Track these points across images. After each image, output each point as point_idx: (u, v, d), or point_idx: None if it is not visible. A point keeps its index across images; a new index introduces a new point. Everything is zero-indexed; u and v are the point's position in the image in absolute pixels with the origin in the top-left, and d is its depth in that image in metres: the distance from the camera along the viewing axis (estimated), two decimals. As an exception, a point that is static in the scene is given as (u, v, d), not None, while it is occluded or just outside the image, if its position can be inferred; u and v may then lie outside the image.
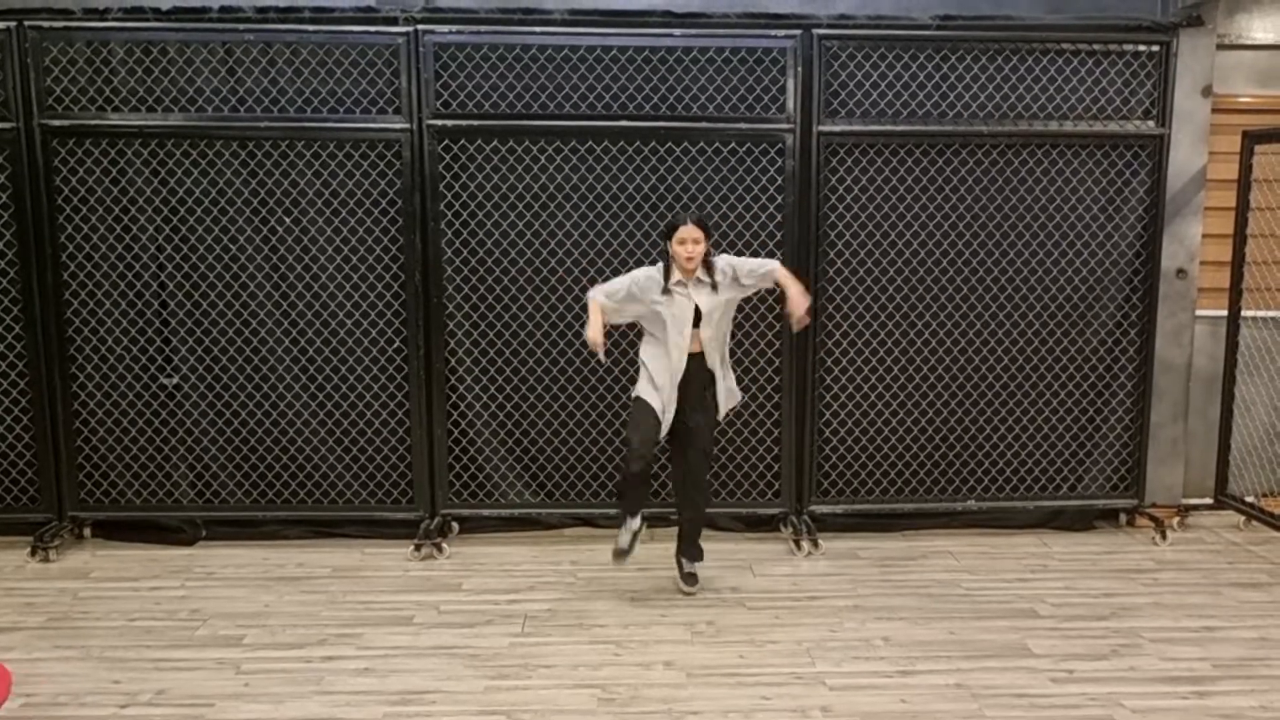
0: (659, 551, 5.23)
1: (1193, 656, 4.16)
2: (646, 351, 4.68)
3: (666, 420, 4.61)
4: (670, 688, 3.88)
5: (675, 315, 4.54)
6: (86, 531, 5.55)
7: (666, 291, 4.53)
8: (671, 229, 4.52)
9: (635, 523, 4.69)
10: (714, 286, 4.57)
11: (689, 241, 4.47)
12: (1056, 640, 4.31)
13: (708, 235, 4.53)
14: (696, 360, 4.61)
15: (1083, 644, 4.27)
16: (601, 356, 4.63)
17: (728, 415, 4.92)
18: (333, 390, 5.44)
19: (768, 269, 4.64)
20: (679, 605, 4.65)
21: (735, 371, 4.95)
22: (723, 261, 4.63)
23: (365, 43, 5.20)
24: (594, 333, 4.49)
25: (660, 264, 4.60)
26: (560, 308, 5.42)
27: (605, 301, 4.56)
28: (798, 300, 4.53)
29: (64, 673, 3.98)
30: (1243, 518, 5.76)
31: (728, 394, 4.76)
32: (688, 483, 4.80)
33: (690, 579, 4.83)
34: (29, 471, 5.41)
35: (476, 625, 4.45)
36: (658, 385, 4.60)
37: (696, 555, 4.90)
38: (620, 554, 4.70)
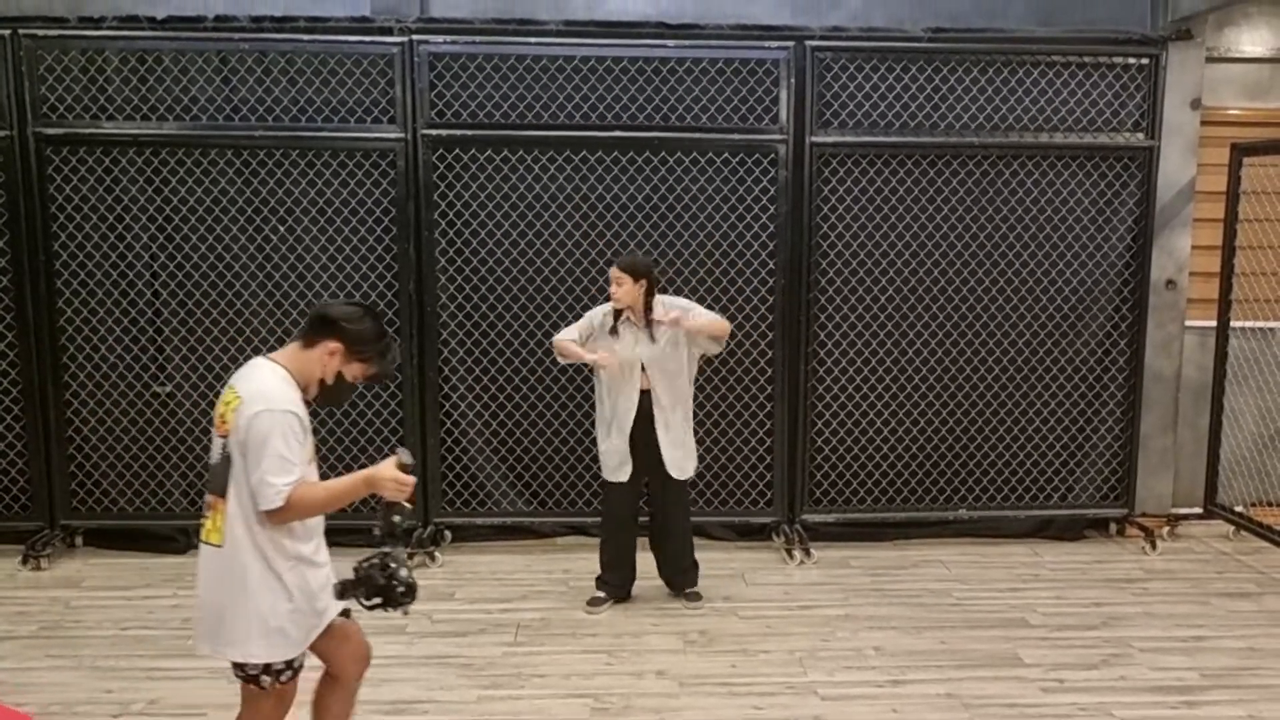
0: (651, 561, 5.23)
1: (1182, 666, 4.19)
2: (599, 396, 4.69)
3: (625, 470, 4.61)
4: (663, 697, 3.89)
5: (621, 356, 4.52)
6: (78, 540, 5.53)
7: (614, 331, 4.54)
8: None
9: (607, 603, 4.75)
10: (651, 337, 4.53)
11: (613, 282, 4.47)
12: (1047, 650, 4.33)
13: (636, 278, 4.44)
14: (645, 398, 4.57)
15: (1073, 653, 4.29)
16: (600, 359, 4.50)
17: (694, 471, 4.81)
18: (326, 398, 5.43)
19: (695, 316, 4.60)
20: (671, 615, 4.67)
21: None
22: (669, 302, 4.56)
23: (360, 52, 5.22)
24: (591, 355, 4.47)
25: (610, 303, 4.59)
26: (554, 316, 5.42)
27: (571, 337, 4.57)
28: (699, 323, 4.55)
29: (56, 682, 3.98)
30: (1232, 527, 5.79)
31: (672, 453, 4.60)
32: (665, 533, 4.79)
33: (693, 597, 4.80)
34: (21, 480, 5.40)
35: (469, 634, 4.45)
36: (610, 431, 4.61)
37: (692, 580, 4.84)
38: (596, 602, 4.74)
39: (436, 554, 5.33)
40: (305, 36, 5.20)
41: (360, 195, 5.33)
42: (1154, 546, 5.57)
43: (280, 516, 2.67)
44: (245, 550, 2.69)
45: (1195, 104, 5.70)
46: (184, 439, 5.42)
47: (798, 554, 5.35)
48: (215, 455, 2.75)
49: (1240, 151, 5.61)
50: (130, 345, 5.36)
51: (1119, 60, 5.46)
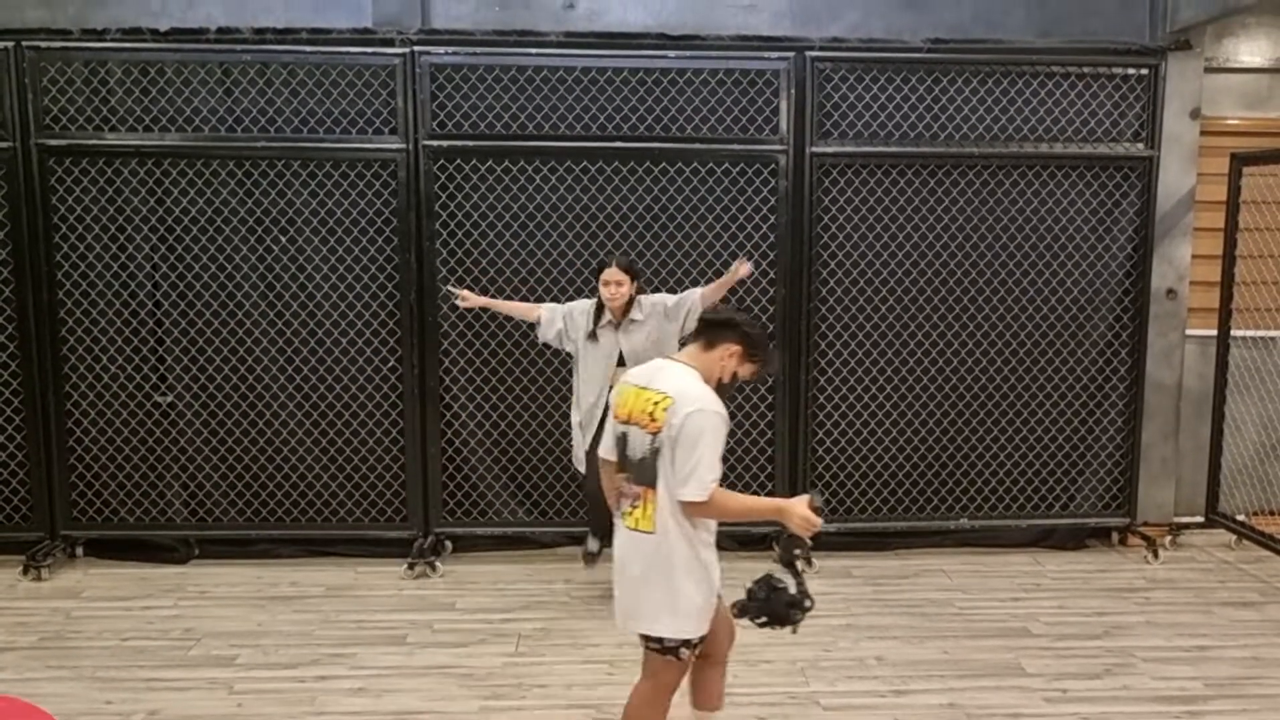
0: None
1: (1185, 676, 4.18)
2: (576, 383, 4.88)
3: (586, 441, 4.75)
4: (664, 707, 3.87)
5: (599, 354, 4.72)
6: (79, 550, 5.52)
7: (592, 335, 4.72)
8: (599, 269, 4.69)
9: (593, 543, 4.89)
10: (628, 334, 4.68)
11: (612, 284, 4.62)
12: (1050, 659, 4.32)
13: (634, 278, 4.67)
14: None
15: (1076, 663, 4.28)
16: (457, 301, 4.97)
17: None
18: (327, 409, 5.44)
19: (691, 297, 4.74)
20: (673, 624, 4.65)
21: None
22: (650, 301, 4.76)
23: (362, 64, 5.24)
24: (485, 302, 4.92)
25: (597, 299, 4.75)
26: (555, 327, 5.43)
27: (542, 311, 4.84)
28: (736, 273, 4.67)
29: (56, 693, 3.97)
30: (1234, 536, 5.78)
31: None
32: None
33: (589, 557, 4.94)
34: (21, 490, 5.40)
35: (470, 644, 4.44)
36: (579, 419, 4.81)
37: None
38: (588, 556, 4.92)
39: (437, 564, 5.32)
40: (307, 48, 5.22)
41: (362, 206, 5.34)
42: (1156, 556, 5.56)
43: (699, 510, 2.93)
44: (675, 538, 2.96)
45: (1195, 114, 5.71)
46: (184, 449, 5.42)
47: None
48: (639, 450, 2.99)
49: (1240, 161, 5.62)
50: (131, 355, 5.36)
51: (1118, 70, 5.48)
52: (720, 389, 3.05)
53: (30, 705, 2.76)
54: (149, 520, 5.46)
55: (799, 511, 2.92)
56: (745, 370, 3.11)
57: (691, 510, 2.91)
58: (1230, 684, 4.11)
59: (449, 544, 5.58)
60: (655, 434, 2.93)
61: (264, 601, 4.93)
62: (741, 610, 3.06)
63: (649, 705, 3.13)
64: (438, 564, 5.33)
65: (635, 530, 3.02)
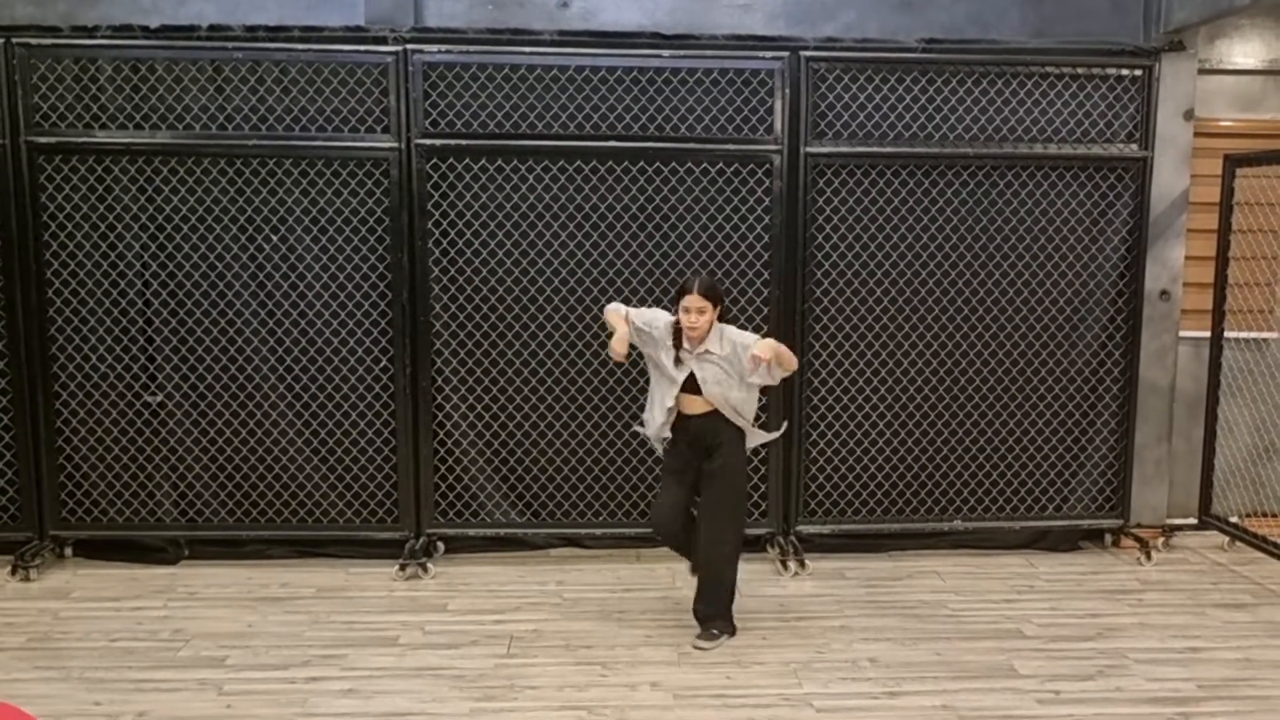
0: (644, 573, 5.22)
1: (1178, 677, 4.17)
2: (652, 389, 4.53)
3: (660, 441, 4.47)
4: (657, 709, 3.87)
5: (672, 376, 4.32)
6: (68, 550, 5.49)
7: (669, 349, 4.33)
8: (680, 293, 4.24)
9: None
10: (710, 355, 4.25)
11: (693, 311, 4.17)
12: (1043, 661, 4.31)
13: (716, 304, 4.23)
14: (700, 420, 4.35)
15: (1069, 665, 4.27)
16: (620, 357, 4.30)
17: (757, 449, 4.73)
18: (318, 408, 5.41)
19: (751, 350, 4.20)
20: (665, 626, 4.64)
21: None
22: (734, 338, 4.29)
23: (354, 62, 5.21)
24: (620, 345, 4.26)
25: (675, 321, 4.33)
26: (548, 326, 5.41)
27: (633, 318, 4.39)
28: (769, 352, 4.17)
29: (44, 694, 3.94)
30: (1227, 538, 5.79)
31: (737, 443, 4.39)
32: (700, 531, 4.50)
33: (703, 637, 4.44)
34: (10, 490, 5.36)
35: (462, 646, 4.42)
36: (653, 421, 4.46)
37: (710, 614, 4.49)
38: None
39: (429, 565, 5.30)
40: (299, 46, 5.19)
41: (354, 205, 5.31)
42: (1149, 557, 5.56)
43: None
44: None
45: (1188, 115, 5.72)
46: (174, 449, 5.39)
47: (792, 565, 5.33)
48: None
49: (1233, 162, 5.63)
50: (121, 355, 5.33)
51: (1112, 71, 5.48)
52: None
53: (17, 709, 2.73)
54: (138, 520, 5.42)
55: None
56: None
57: None
58: (1223, 685, 4.11)
59: (441, 545, 5.56)
60: None
61: (254, 602, 4.90)
62: None
63: None
64: (429, 565, 5.30)
65: None
